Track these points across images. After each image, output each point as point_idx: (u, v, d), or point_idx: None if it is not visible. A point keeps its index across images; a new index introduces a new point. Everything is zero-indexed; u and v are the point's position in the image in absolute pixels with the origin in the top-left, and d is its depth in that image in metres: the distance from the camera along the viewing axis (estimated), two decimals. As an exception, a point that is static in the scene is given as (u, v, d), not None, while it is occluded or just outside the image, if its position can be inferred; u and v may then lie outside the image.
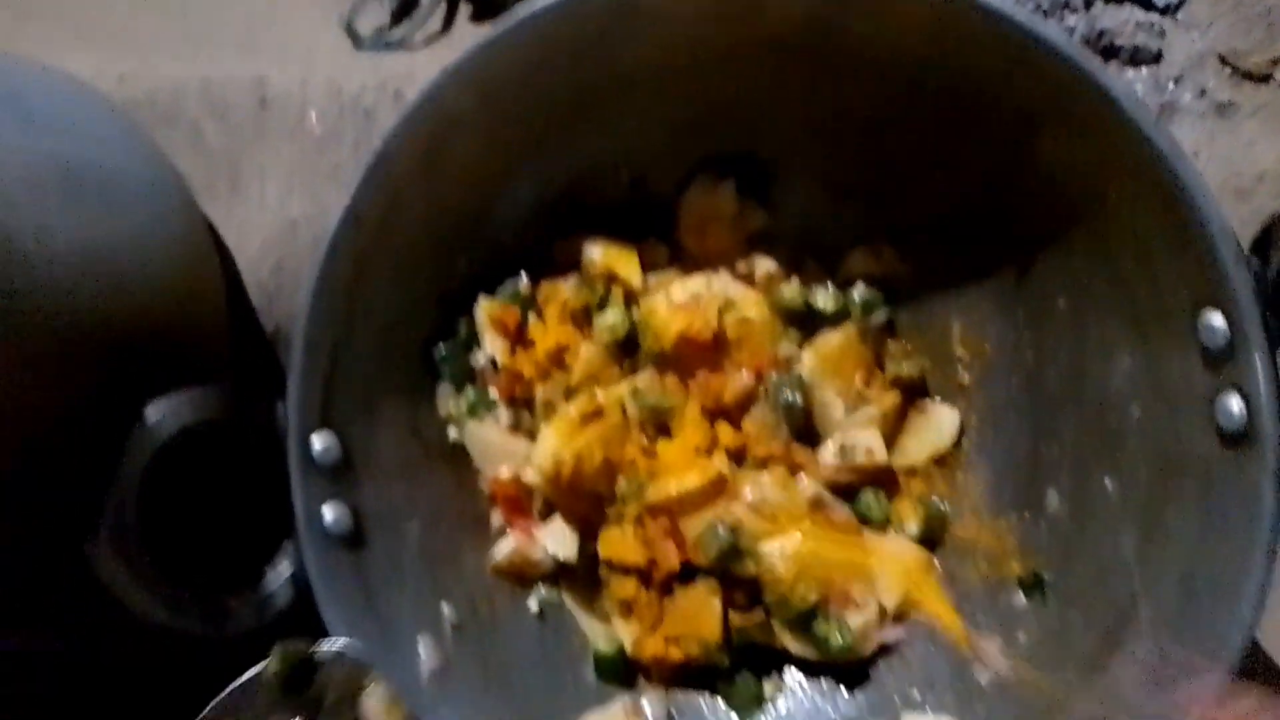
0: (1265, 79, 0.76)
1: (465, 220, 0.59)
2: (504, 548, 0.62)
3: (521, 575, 0.62)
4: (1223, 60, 0.76)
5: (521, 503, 0.62)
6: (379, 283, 0.56)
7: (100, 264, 0.51)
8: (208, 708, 0.48)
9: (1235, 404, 0.45)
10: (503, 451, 0.62)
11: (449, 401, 0.62)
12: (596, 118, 0.58)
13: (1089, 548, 0.54)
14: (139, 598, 0.52)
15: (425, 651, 0.57)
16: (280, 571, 0.55)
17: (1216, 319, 0.45)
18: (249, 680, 0.49)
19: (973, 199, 0.57)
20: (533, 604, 0.62)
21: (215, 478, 0.62)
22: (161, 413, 0.52)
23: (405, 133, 0.53)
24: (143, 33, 0.76)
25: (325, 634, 0.53)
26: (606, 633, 0.61)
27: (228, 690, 0.48)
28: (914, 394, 0.62)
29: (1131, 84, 0.75)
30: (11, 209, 0.47)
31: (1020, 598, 0.57)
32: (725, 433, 0.60)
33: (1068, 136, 0.50)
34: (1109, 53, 0.76)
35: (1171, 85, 0.76)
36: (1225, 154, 0.73)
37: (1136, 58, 0.76)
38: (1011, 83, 0.50)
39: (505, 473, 0.61)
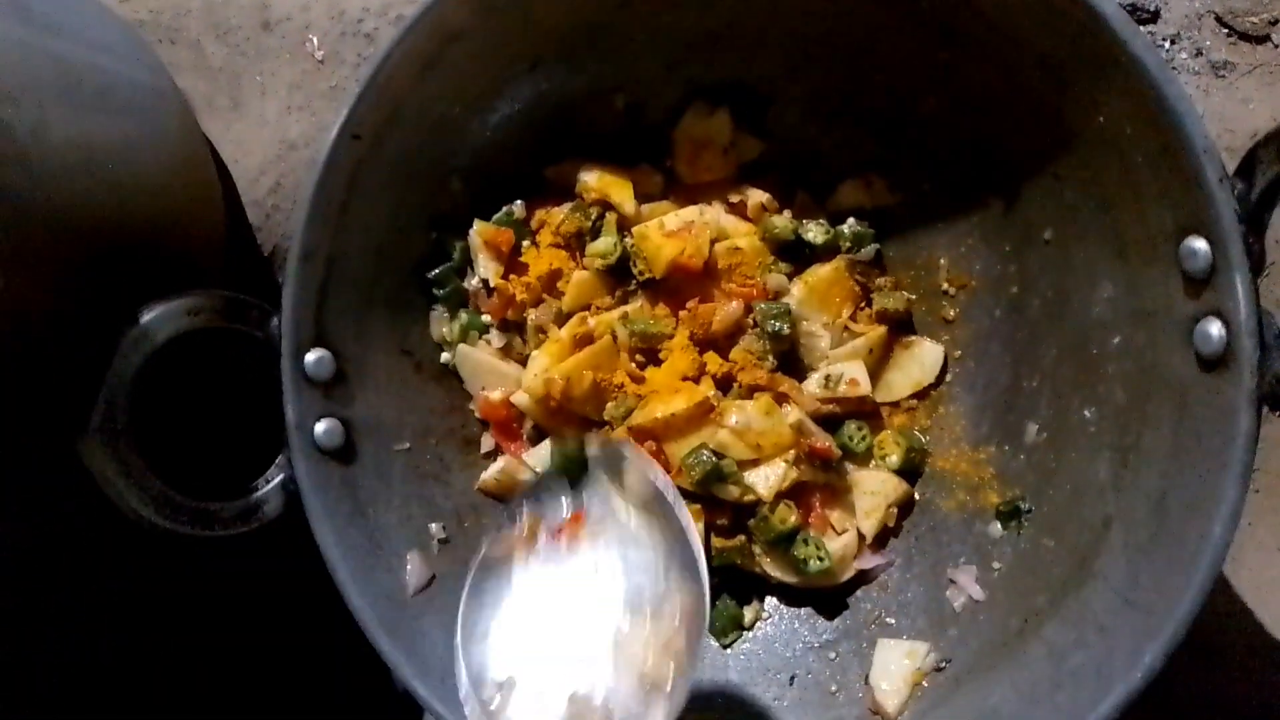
0: (1262, 39, 0.76)
1: (460, 138, 0.60)
2: (492, 468, 0.62)
3: (508, 495, 0.63)
4: (1219, 20, 0.76)
5: (511, 425, 0.63)
6: (373, 199, 0.57)
7: (96, 164, 0.52)
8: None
9: (1215, 328, 0.45)
10: (493, 373, 0.62)
11: (442, 325, 0.63)
12: (593, 38, 0.58)
13: (1065, 475, 0.55)
14: (129, 496, 0.52)
15: (413, 566, 0.58)
16: (271, 480, 0.56)
17: (1199, 243, 0.45)
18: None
19: (963, 126, 0.58)
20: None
21: (211, 387, 0.62)
22: (156, 316, 0.53)
23: (404, 46, 0.53)
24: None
25: (313, 540, 0.54)
26: None
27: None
28: (900, 329, 0.63)
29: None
30: (8, 103, 0.47)
31: (996, 526, 0.58)
32: (713, 360, 0.60)
33: (1059, 59, 0.50)
34: None
35: (1168, 44, 0.76)
36: (1220, 112, 0.74)
37: (1135, 17, 0.76)
38: (1004, 5, 0.50)
39: (496, 395, 0.62)
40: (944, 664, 0.56)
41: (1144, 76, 0.45)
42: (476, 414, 0.63)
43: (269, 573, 0.66)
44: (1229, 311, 0.44)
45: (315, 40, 0.70)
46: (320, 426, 0.55)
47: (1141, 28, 0.76)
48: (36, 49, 0.51)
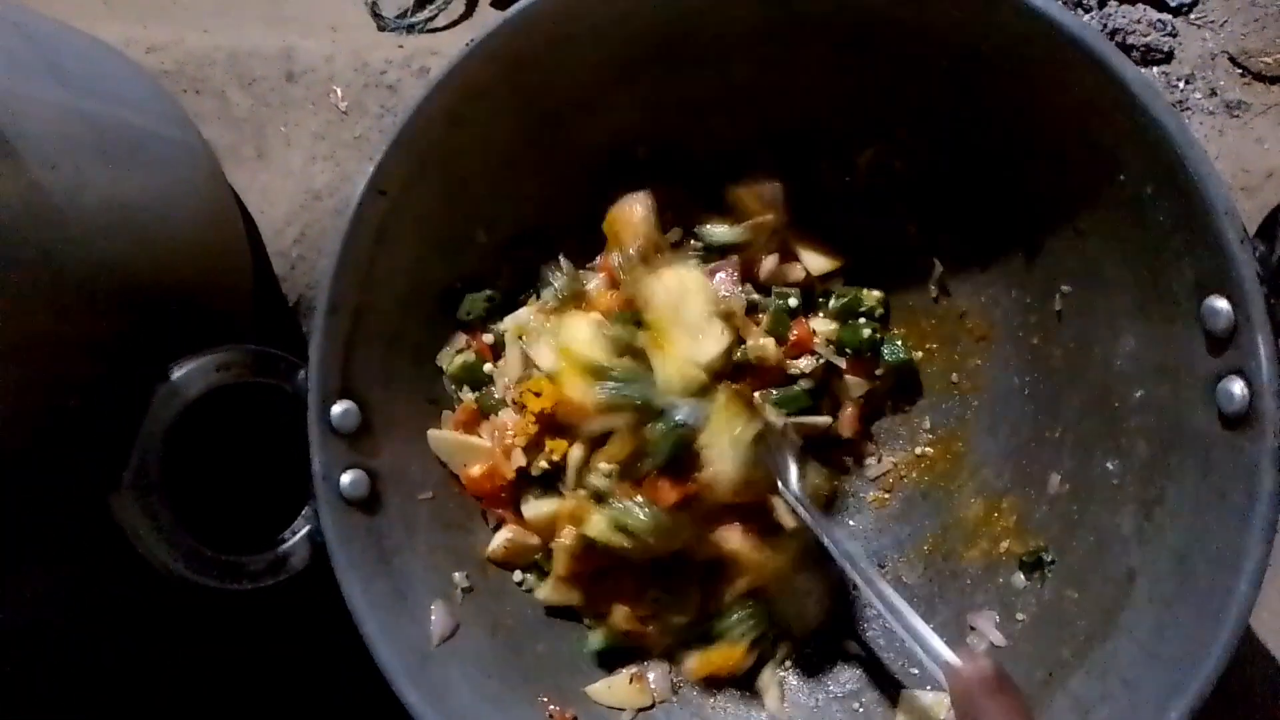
0: (1276, 79, 0.77)
1: (484, 191, 0.60)
2: (498, 537, 0.62)
3: (520, 562, 0.63)
4: (1234, 60, 0.77)
5: (501, 495, 0.62)
6: (399, 252, 0.57)
7: (128, 222, 0.53)
8: None
9: (1237, 387, 0.45)
10: (465, 450, 0.62)
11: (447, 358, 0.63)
12: (614, 93, 0.59)
13: (1089, 527, 0.55)
14: (160, 550, 0.53)
15: (438, 615, 0.58)
16: (298, 532, 0.56)
17: (1220, 303, 0.46)
18: None
19: (985, 177, 0.58)
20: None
21: (239, 438, 0.63)
22: (186, 373, 0.53)
23: (430, 104, 0.54)
24: (172, 4, 0.77)
25: (337, 588, 0.54)
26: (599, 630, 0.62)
27: None
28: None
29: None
30: (47, 167, 0.48)
31: (1020, 577, 0.58)
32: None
33: (1080, 118, 0.50)
34: (1121, 51, 0.77)
35: (1183, 84, 0.76)
36: (1234, 151, 0.74)
37: (1149, 57, 0.77)
38: (1023, 65, 0.51)
39: (476, 470, 0.62)
40: (968, 716, 0.56)
41: (1164, 138, 0.46)
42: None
43: (294, 618, 0.67)
44: (1251, 371, 0.45)
45: (339, 91, 0.71)
46: (346, 478, 0.56)
47: (1156, 68, 0.77)
48: (72, 110, 0.52)
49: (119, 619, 0.63)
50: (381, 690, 0.53)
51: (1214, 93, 0.76)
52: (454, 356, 0.63)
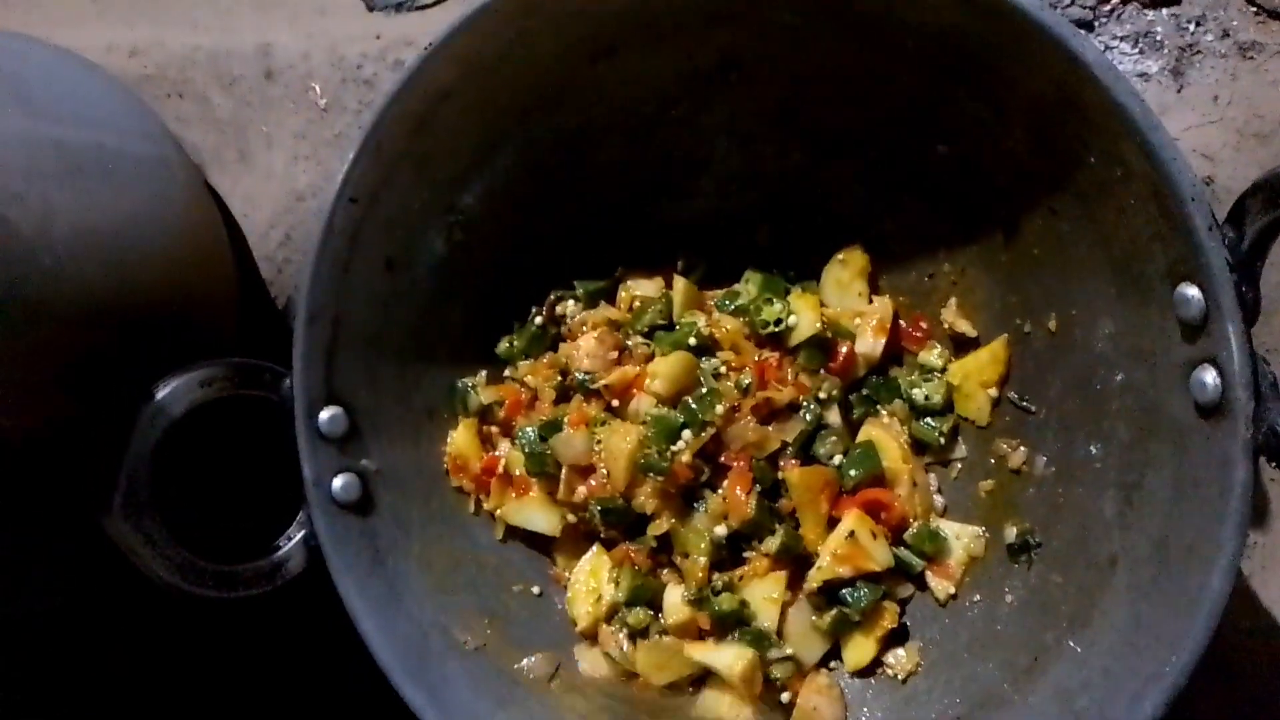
0: (1292, 17, 0.73)
1: (458, 191, 0.60)
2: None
3: None
4: (1248, -1, 0.73)
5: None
6: (375, 255, 0.58)
7: (102, 245, 0.53)
8: None
9: (1210, 376, 0.44)
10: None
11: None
12: (577, 90, 0.58)
13: (1073, 511, 0.55)
14: (155, 566, 0.54)
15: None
16: (293, 538, 0.58)
17: (1191, 290, 0.44)
18: None
19: (960, 159, 0.57)
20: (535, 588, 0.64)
21: (231, 448, 0.64)
22: (170, 391, 0.54)
23: (395, 108, 0.54)
24: (155, 2, 0.77)
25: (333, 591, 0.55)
26: None
27: None
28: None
29: (1105, 50, 0.72)
30: (14, 200, 0.48)
31: (1006, 559, 0.58)
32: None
33: (1047, 101, 0.49)
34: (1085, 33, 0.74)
35: (1193, 26, 0.73)
36: (1247, 95, 0.71)
37: (1158, -1, 0.74)
38: (989, 48, 0.49)
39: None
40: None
41: (1129, 123, 0.44)
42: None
43: (293, 622, 0.69)
44: (1223, 361, 0.44)
45: (318, 88, 0.71)
46: (337, 482, 0.57)
47: (1165, 9, 0.74)
48: (39, 139, 0.52)
49: (119, 628, 0.65)
50: (381, 689, 0.55)
51: (1226, 34, 0.73)
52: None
